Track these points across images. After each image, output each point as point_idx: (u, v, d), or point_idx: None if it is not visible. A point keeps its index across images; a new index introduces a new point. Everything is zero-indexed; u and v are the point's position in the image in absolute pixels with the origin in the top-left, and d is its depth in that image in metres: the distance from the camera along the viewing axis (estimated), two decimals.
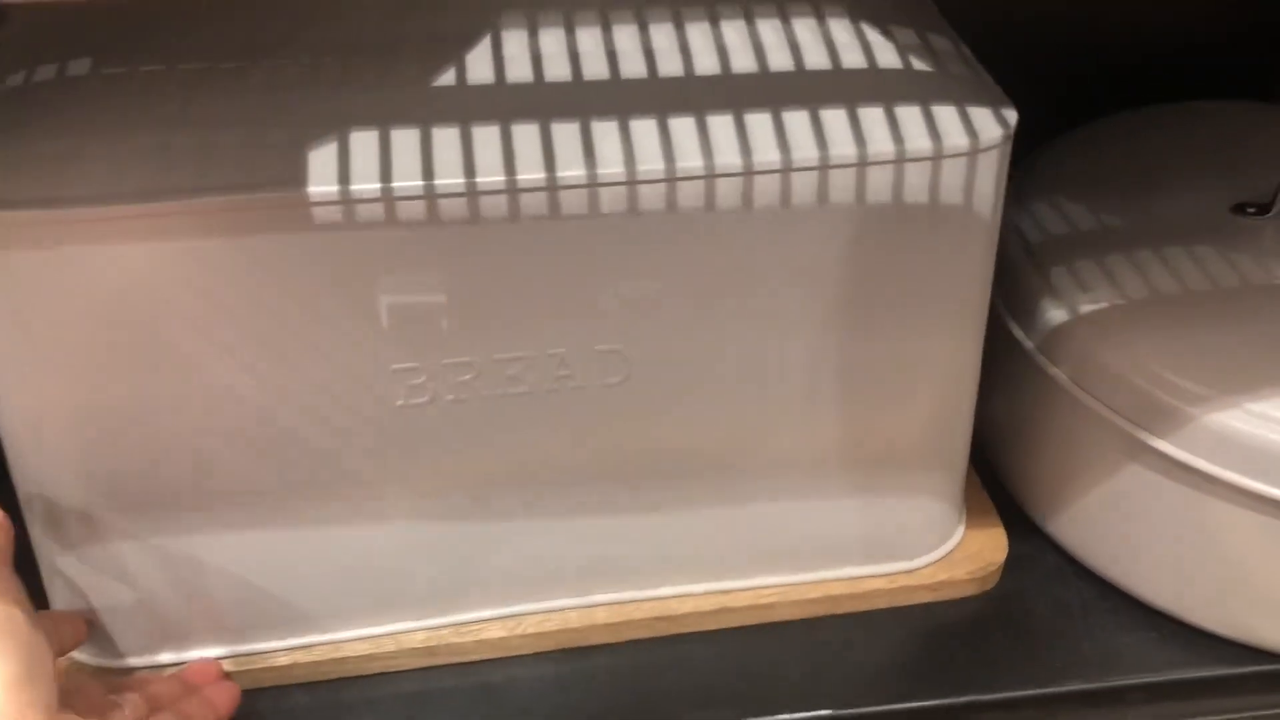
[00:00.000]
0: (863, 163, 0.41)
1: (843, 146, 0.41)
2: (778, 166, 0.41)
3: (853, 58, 0.44)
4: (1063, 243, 0.54)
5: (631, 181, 0.40)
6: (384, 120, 0.41)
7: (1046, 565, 0.54)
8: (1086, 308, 0.51)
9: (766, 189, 0.41)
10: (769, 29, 0.45)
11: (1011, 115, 0.43)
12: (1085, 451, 0.51)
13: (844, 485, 0.50)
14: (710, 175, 0.41)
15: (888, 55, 0.44)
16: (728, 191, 0.41)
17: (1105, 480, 0.51)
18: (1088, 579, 0.54)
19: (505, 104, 0.42)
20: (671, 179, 0.41)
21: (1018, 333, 0.53)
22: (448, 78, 0.43)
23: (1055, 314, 0.51)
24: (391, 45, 0.44)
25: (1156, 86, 0.64)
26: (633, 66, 0.43)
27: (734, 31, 0.45)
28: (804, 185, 0.41)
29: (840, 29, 0.45)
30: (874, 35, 0.45)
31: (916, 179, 0.42)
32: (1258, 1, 0.70)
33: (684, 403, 0.46)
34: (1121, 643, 0.51)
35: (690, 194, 0.41)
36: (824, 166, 0.41)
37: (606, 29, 0.45)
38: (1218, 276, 0.52)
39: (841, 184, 0.42)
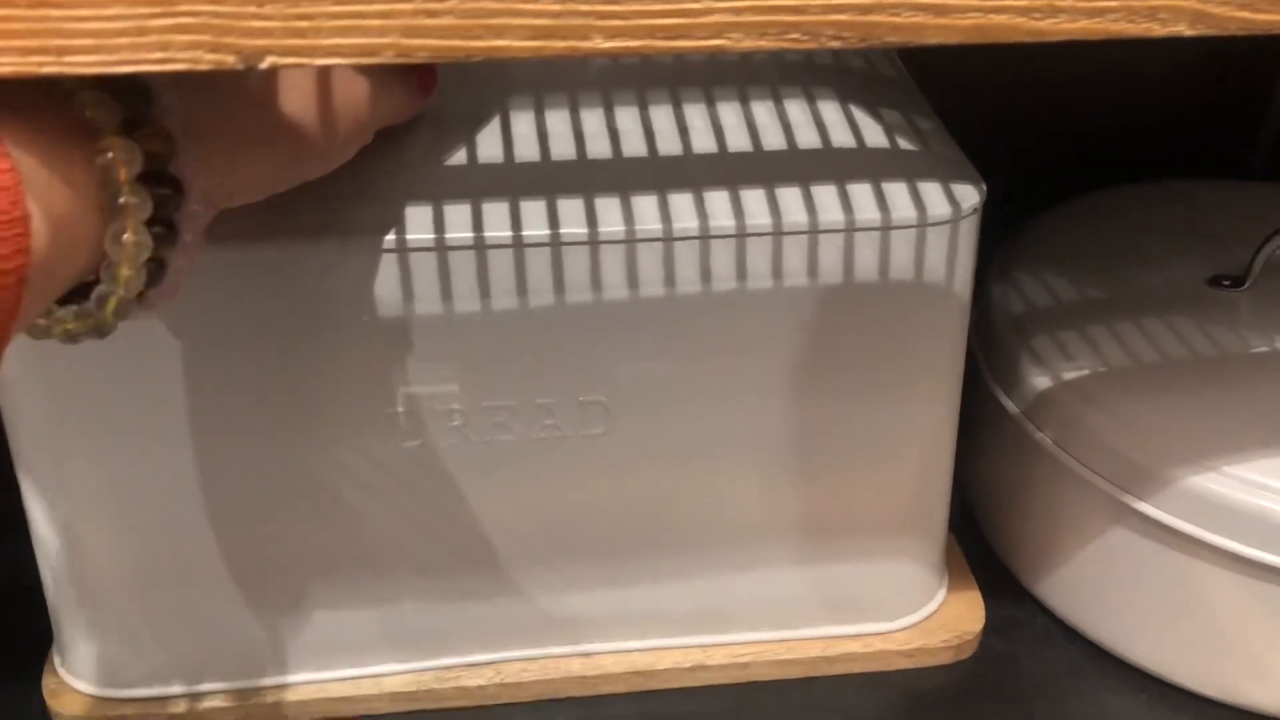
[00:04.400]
0: (850, 229, 0.43)
1: (830, 213, 0.43)
2: (768, 229, 0.43)
3: (840, 135, 0.46)
4: (1046, 313, 0.56)
5: (630, 240, 0.42)
6: (399, 189, 0.43)
7: (1035, 628, 0.55)
8: (1070, 374, 0.52)
9: (757, 252, 0.43)
10: (762, 110, 0.48)
11: (981, 189, 0.45)
12: (1070, 514, 0.53)
13: (822, 548, 0.51)
14: (705, 236, 0.43)
15: (871, 134, 0.47)
16: (720, 253, 0.43)
17: (1090, 543, 0.52)
18: (1076, 641, 0.54)
19: (512, 177, 0.44)
20: (668, 239, 0.42)
21: (1003, 399, 0.54)
22: (458, 155, 0.45)
23: (1039, 380, 0.53)
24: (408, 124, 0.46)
25: (1134, 165, 0.67)
26: (633, 144, 0.46)
27: (730, 112, 0.47)
28: (793, 249, 0.43)
29: (829, 109, 0.48)
30: (859, 115, 0.47)
31: (895, 248, 0.44)
32: (1229, 84, 0.73)
33: (664, 460, 0.47)
34: (1111, 705, 0.52)
35: (685, 255, 0.43)
36: (813, 231, 0.43)
37: (609, 110, 0.47)
38: (1196, 345, 0.53)
39: (826, 250, 0.43)
